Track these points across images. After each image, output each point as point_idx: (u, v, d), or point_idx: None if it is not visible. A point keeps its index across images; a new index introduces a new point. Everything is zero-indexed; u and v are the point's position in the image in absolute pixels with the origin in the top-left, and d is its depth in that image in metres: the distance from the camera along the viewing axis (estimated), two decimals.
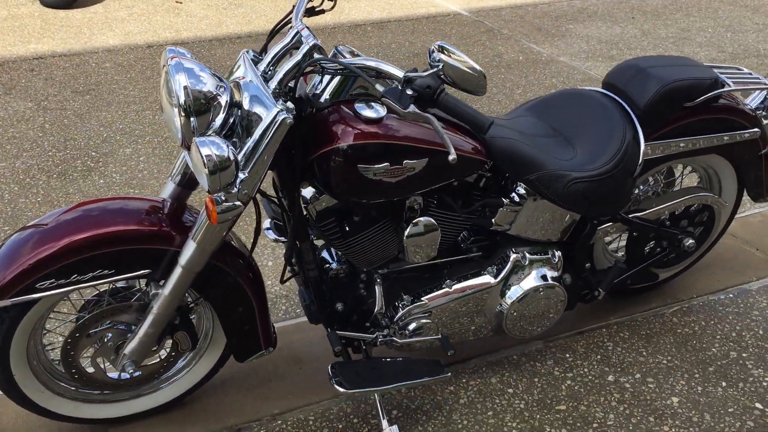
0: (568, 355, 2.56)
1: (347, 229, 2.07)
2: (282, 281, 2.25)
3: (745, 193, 2.71)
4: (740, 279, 2.95)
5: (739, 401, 2.37)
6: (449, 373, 2.23)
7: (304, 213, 2.02)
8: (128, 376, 2.12)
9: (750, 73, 2.55)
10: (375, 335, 2.21)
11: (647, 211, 2.49)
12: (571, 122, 2.34)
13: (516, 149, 2.14)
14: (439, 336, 2.27)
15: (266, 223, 2.27)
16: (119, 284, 2.06)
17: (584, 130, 2.30)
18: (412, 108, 1.66)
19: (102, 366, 2.13)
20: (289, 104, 1.77)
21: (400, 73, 1.71)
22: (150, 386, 2.23)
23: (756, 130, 2.50)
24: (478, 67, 1.64)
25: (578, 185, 2.17)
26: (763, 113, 2.56)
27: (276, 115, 1.74)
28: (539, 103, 2.44)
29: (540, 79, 5.02)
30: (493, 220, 2.23)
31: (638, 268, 2.60)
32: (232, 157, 1.67)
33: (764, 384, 2.44)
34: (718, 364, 2.52)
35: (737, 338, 2.64)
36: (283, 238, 2.20)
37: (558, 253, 2.35)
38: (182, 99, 1.71)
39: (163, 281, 1.99)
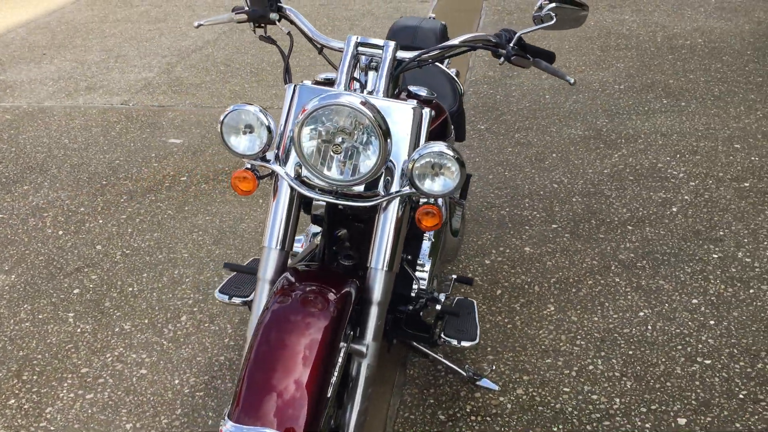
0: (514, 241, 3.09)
1: None
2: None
3: None
4: None
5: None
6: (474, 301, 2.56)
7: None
8: None
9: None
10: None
11: None
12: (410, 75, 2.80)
13: None
14: (455, 276, 2.55)
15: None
16: None
17: (425, 78, 2.80)
18: (532, 60, 1.98)
19: None
20: None
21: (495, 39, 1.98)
22: None
23: None
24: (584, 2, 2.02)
25: (458, 118, 2.71)
26: None
27: (423, 112, 1.82)
28: None
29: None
30: None
31: None
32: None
33: (613, 163, 3.47)
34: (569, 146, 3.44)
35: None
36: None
37: None
38: (378, 120, 1.65)
39: None
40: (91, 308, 2.91)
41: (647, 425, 2.30)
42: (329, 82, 1.97)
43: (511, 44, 1.93)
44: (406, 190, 1.75)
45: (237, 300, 2.31)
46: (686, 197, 3.55)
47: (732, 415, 2.32)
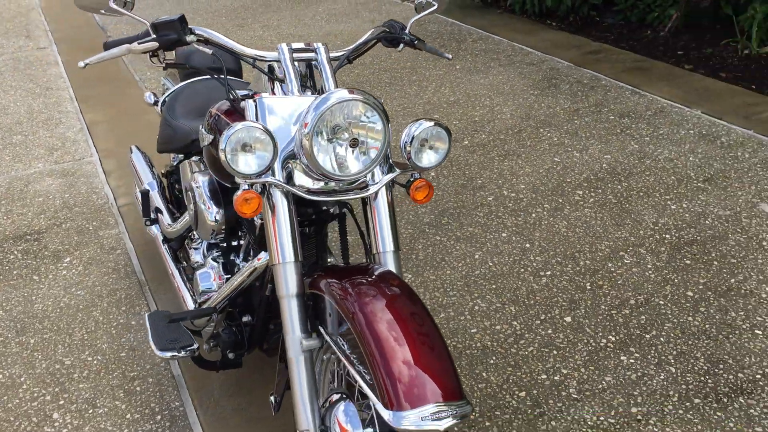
0: None
1: None
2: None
3: None
4: None
5: None
6: None
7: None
8: None
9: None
10: None
11: None
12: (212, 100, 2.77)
13: None
14: None
15: None
16: None
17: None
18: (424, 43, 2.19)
19: None
20: None
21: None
22: None
23: None
24: None
25: None
26: None
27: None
28: (180, 92, 2.72)
29: None
30: None
31: None
32: None
33: None
34: None
35: None
36: None
37: None
38: (378, 102, 1.75)
39: None
40: None
41: (549, 331, 2.71)
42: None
43: (407, 31, 2.16)
44: (392, 173, 1.85)
45: (183, 353, 2.13)
46: None
47: (594, 302, 2.86)
